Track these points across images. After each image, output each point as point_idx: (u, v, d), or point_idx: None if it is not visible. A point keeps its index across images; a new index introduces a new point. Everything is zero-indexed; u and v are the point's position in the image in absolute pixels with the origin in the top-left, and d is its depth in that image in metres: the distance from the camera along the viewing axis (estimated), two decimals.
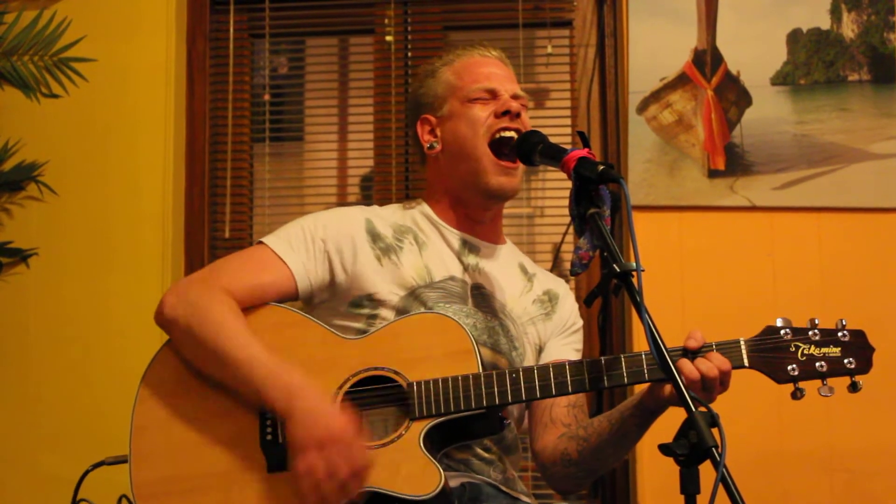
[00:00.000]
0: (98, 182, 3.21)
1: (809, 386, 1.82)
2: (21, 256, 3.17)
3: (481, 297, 2.01)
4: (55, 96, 3.22)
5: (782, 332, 1.83)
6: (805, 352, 1.82)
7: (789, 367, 1.81)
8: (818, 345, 1.83)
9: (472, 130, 2.00)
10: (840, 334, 1.84)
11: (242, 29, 3.42)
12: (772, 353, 1.82)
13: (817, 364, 1.81)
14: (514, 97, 2.03)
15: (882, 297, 2.98)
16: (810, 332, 1.83)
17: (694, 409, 1.47)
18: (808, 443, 2.93)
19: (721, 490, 1.39)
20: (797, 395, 1.81)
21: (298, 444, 1.71)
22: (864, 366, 1.83)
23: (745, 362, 1.81)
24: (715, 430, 1.44)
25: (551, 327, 2.10)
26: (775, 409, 2.74)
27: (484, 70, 2.05)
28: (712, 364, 1.76)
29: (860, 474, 2.93)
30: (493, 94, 2.02)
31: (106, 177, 3.21)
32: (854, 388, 1.82)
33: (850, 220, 3.02)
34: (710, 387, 1.76)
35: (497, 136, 1.99)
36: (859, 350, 1.83)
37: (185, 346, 1.86)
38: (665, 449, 1.47)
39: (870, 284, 2.99)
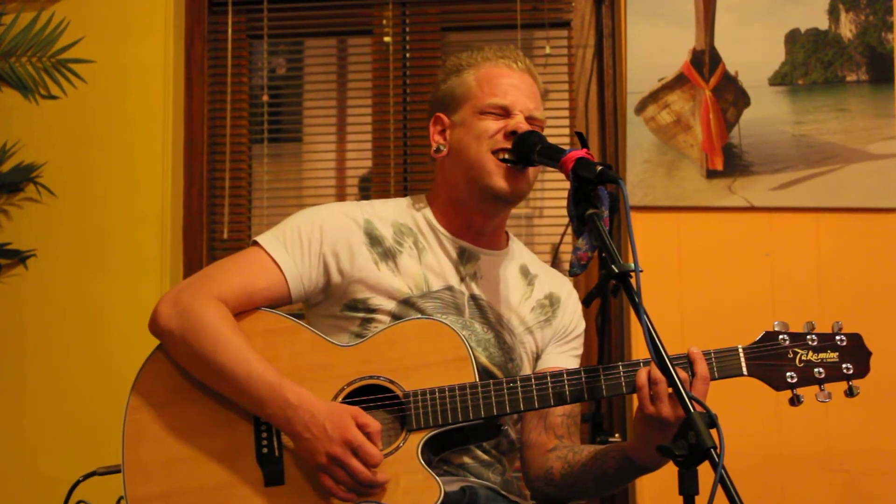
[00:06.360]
0: (96, 183, 3.21)
1: (807, 392, 1.82)
2: (19, 258, 3.16)
3: (478, 307, 1.99)
4: (53, 98, 3.22)
5: (780, 338, 1.83)
6: (803, 358, 1.82)
7: (787, 375, 1.81)
8: (816, 350, 1.83)
9: (476, 142, 1.95)
10: (837, 339, 1.84)
11: (241, 30, 3.42)
12: (770, 361, 1.82)
13: (815, 370, 1.82)
14: (530, 119, 1.97)
15: (880, 298, 2.98)
16: (808, 338, 1.83)
17: (692, 410, 1.47)
18: (806, 443, 2.93)
19: (720, 491, 1.39)
20: (795, 401, 1.81)
21: (308, 461, 1.76)
22: (862, 370, 1.84)
23: (744, 370, 1.81)
24: (713, 431, 1.44)
25: (550, 333, 2.08)
26: (774, 410, 2.73)
27: (504, 83, 1.98)
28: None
29: (858, 475, 2.93)
30: (506, 112, 1.96)
31: (104, 178, 3.21)
32: (851, 392, 1.82)
33: (848, 221, 3.02)
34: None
35: (500, 155, 1.94)
36: (857, 354, 1.84)
37: (181, 357, 1.86)
38: (664, 450, 1.47)
39: (868, 285, 3.00)
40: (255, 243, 1.96)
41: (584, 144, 1.79)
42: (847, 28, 3.09)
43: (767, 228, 3.04)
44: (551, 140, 1.90)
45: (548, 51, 3.28)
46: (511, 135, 1.93)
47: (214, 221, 3.37)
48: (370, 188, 3.39)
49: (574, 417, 2.07)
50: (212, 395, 1.84)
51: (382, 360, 1.84)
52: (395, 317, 1.92)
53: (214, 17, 3.41)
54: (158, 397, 1.85)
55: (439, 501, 1.73)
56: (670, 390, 1.67)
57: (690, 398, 1.49)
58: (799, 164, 3.05)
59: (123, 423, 1.84)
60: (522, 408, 1.81)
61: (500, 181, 1.94)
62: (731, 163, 3.06)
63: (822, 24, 3.09)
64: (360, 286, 1.94)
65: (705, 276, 3.04)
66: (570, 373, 1.82)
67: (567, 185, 1.75)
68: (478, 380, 1.81)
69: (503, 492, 1.93)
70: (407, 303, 1.93)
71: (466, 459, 1.92)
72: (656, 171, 3.07)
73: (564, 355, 2.09)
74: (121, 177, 3.21)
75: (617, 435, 2.96)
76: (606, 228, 1.70)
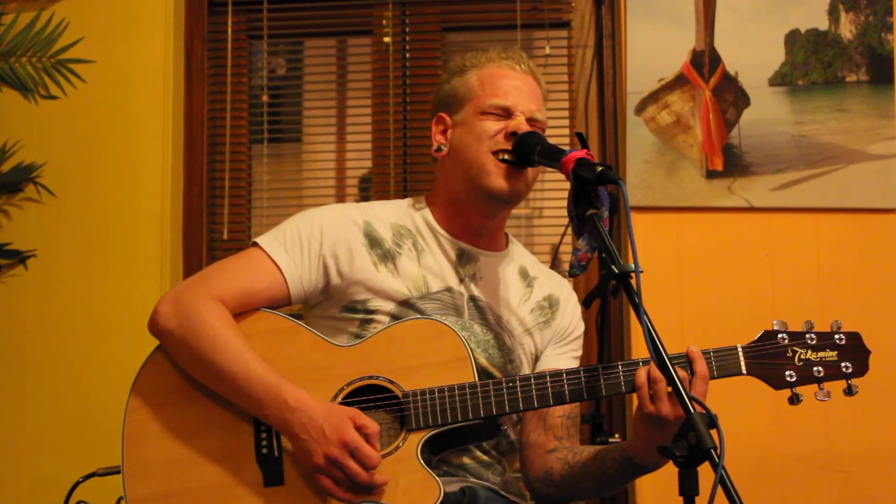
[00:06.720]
0: (96, 184, 3.20)
1: (806, 391, 1.82)
2: (19, 258, 3.16)
3: (477, 309, 1.99)
4: (53, 98, 3.22)
5: (779, 336, 1.83)
6: (802, 357, 1.83)
7: (787, 374, 1.82)
8: (815, 349, 1.83)
9: (477, 142, 1.95)
10: (836, 338, 1.85)
11: (240, 30, 3.42)
12: (769, 360, 1.82)
13: (814, 369, 1.82)
14: (531, 120, 1.97)
15: (880, 298, 2.98)
16: (807, 337, 1.84)
17: (692, 410, 1.47)
18: (806, 444, 2.93)
19: (720, 491, 1.40)
20: (794, 400, 1.82)
21: (306, 463, 1.76)
22: (861, 369, 1.84)
23: (743, 370, 1.82)
24: (714, 432, 1.44)
25: (549, 335, 2.08)
26: (774, 410, 2.74)
27: (506, 84, 1.99)
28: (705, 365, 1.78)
29: (858, 476, 2.93)
30: (507, 113, 1.96)
31: (104, 178, 3.21)
32: (850, 391, 1.83)
33: (848, 221, 3.02)
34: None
35: (500, 156, 1.94)
36: (855, 353, 1.84)
37: (180, 358, 1.86)
38: (664, 450, 1.47)
39: (868, 285, 3.00)
40: (255, 244, 1.97)
41: (584, 145, 1.79)
42: (847, 28, 3.09)
43: (767, 229, 3.04)
44: (551, 140, 1.90)
45: (548, 51, 3.28)
46: (511, 135, 1.93)
47: (214, 221, 3.37)
48: (370, 188, 3.39)
49: (574, 418, 2.07)
50: (211, 396, 1.84)
51: (382, 361, 1.84)
52: (395, 318, 1.92)
53: (214, 17, 3.41)
54: (158, 397, 1.86)
55: (439, 501, 1.74)
56: (670, 389, 1.67)
57: (690, 398, 1.49)
58: (799, 164, 3.05)
59: (123, 424, 1.85)
60: (522, 407, 1.82)
61: (498, 181, 1.94)
62: (731, 163, 3.06)
63: (822, 24, 3.09)
64: (359, 288, 1.94)
65: (705, 276, 3.04)
66: (570, 372, 1.82)
67: (567, 185, 1.76)
68: (477, 380, 1.82)
69: (503, 492, 1.94)
70: (406, 304, 1.93)
71: (466, 460, 1.92)
72: (656, 172, 3.07)
73: (564, 357, 2.09)
74: (121, 177, 3.20)
75: (617, 435, 2.96)
76: (606, 229, 1.70)
